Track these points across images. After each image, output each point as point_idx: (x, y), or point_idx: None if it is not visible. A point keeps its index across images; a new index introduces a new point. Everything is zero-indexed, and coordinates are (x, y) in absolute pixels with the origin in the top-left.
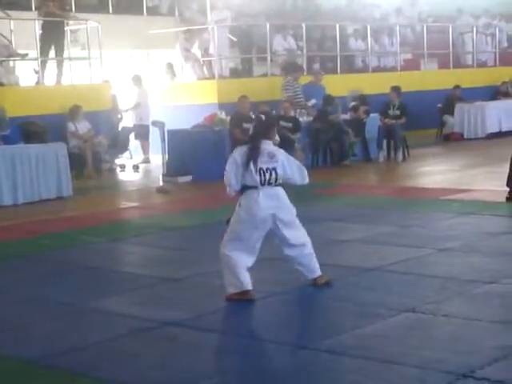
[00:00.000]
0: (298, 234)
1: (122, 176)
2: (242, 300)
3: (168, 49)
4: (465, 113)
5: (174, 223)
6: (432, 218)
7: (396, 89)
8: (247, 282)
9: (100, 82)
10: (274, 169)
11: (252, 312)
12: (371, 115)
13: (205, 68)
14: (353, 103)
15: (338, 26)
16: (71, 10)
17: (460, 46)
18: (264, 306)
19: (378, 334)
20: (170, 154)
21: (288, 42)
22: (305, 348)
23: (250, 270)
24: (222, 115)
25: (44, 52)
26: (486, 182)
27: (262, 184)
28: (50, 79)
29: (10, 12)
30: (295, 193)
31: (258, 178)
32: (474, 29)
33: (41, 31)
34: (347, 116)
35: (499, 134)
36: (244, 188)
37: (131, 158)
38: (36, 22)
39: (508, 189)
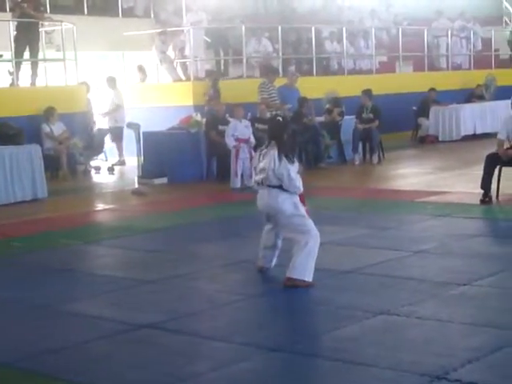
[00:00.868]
0: None
1: (97, 178)
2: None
3: (143, 50)
4: (440, 115)
5: (150, 225)
6: (407, 220)
7: (367, 92)
8: None
9: (76, 83)
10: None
11: (228, 314)
12: (346, 118)
13: (180, 70)
14: (327, 106)
15: (313, 29)
16: (46, 11)
17: (435, 49)
18: (240, 309)
19: (353, 337)
20: (145, 155)
21: (264, 45)
22: (280, 350)
23: (228, 272)
24: (198, 117)
25: (18, 53)
26: (460, 185)
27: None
28: (24, 81)
29: None
30: None
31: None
32: (449, 32)
33: (15, 32)
34: (322, 118)
35: (474, 137)
36: None
37: (106, 160)
38: (10, 23)
39: (482, 191)
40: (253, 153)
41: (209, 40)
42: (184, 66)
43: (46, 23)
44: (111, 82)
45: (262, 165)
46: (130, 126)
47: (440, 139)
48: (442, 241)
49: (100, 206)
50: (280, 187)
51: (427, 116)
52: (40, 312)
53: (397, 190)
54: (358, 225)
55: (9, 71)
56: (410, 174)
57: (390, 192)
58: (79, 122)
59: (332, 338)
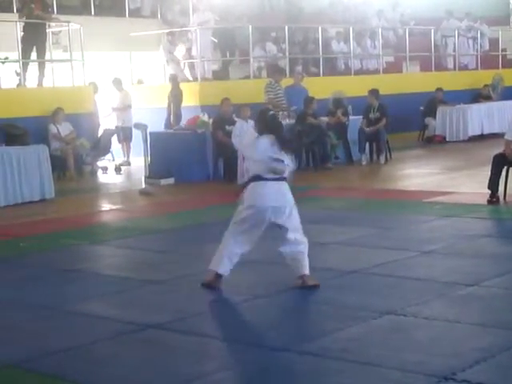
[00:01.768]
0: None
1: (104, 178)
2: (211, 286)
3: (150, 51)
4: (447, 115)
5: (157, 225)
6: (414, 220)
7: (374, 92)
8: None
9: (84, 84)
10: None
11: (234, 315)
12: (353, 118)
13: (188, 70)
14: (330, 107)
15: (320, 29)
16: (53, 11)
17: (442, 49)
18: (246, 309)
19: (360, 337)
20: (152, 156)
21: (268, 50)
22: (287, 350)
23: (235, 272)
24: (205, 117)
25: (26, 54)
26: (467, 185)
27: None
28: (31, 81)
29: None
30: None
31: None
32: (456, 32)
33: (22, 33)
34: (327, 119)
35: (481, 137)
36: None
37: (113, 160)
38: (18, 23)
39: (489, 191)
40: None
41: (216, 40)
42: (191, 67)
43: (53, 24)
44: (117, 83)
45: (277, 155)
46: (137, 126)
47: (447, 139)
48: (449, 241)
49: (107, 207)
50: (285, 179)
51: (434, 116)
52: (47, 312)
53: (404, 190)
54: (364, 225)
55: (16, 72)
56: (417, 174)
57: (396, 192)
58: (86, 122)
59: (338, 338)
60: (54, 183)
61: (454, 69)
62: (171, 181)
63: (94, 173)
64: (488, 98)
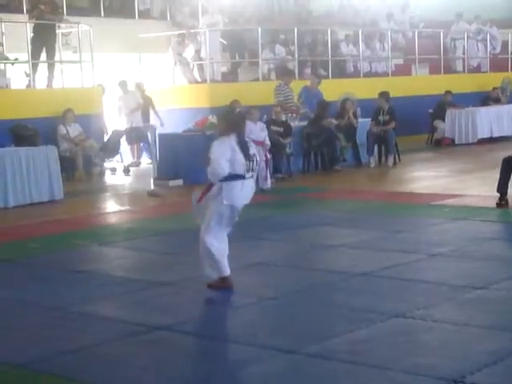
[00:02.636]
0: None
1: (112, 179)
2: (222, 288)
3: (160, 52)
4: (456, 118)
5: (166, 227)
6: (422, 223)
7: (384, 94)
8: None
9: (92, 85)
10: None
11: (241, 317)
12: (361, 120)
13: (197, 72)
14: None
15: (329, 31)
16: (63, 13)
17: (451, 52)
18: (253, 311)
19: (369, 339)
20: (161, 157)
21: (277, 52)
22: (294, 352)
23: (243, 274)
24: (214, 119)
25: (35, 55)
26: (476, 188)
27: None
28: (41, 82)
29: (1, 15)
30: (286, 198)
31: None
32: (466, 34)
33: (32, 34)
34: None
35: (490, 140)
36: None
37: (122, 161)
38: (27, 24)
39: (498, 194)
40: (268, 155)
41: (225, 42)
42: (200, 69)
43: (63, 25)
44: (123, 85)
45: (252, 151)
46: (146, 127)
47: (456, 142)
48: (458, 244)
49: (115, 208)
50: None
51: (443, 119)
52: (55, 313)
53: (412, 193)
54: (373, 227)
55: (25, 73)
56: (425, 177)
57: (405, 195)
58: (95, 123)
59: (347, 340)
60: (62, 184)
61: (464, 71)
62: (180, 182)
63: (102, 174)
64: (497, 101)
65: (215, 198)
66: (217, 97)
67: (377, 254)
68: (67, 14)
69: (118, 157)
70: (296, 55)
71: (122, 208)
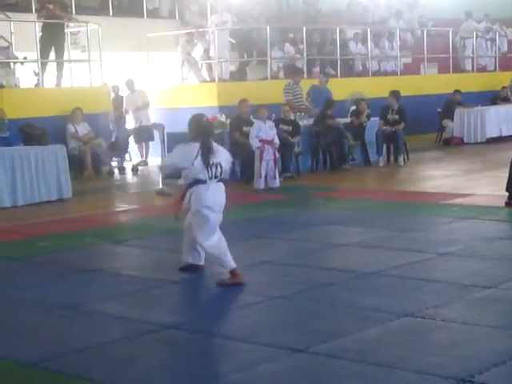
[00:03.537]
0: None
1: (121, 178)
2: (235, 284)
3: (168, 51)
4: (465, 117)
5: (174, 226)
6: (431, 222)
7: (395, 93)
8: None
9: (100, 84)
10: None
11: (251, 316)
12: (371, 119)
13: (205, 71)
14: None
15: (338, 30)
16: (72, 12)
17: (460, 51)
18: (263, 310)
19: (378, 339)
20: None
21: (286, 51)
22: (304, 352)
23: (251, 273)
24: (223, 118)
25: (44, 54)
26: (485, 187)
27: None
28: (49, 81)
29: (10, 14)
30: (295, 197)
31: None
32: (475, 33)
33: (41, 33)
34: (347, 120)
35: (499, 139)
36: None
37: (130, 160)
38: (36, 24)
39: (507, 193)
40: (277, 154)
41: (233, 41)
42: (209, 67)
43: (72, 24)
44: (130, 84)
45: (217, 159)
46: (154, 126)
47: (465, 141)
48: (467, 243)
49: (124, 206)
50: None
51: (452, 118)
52: (65, 312)
53: (421, 192)
54: (382, 226)
55: (34, 72)
56: (434, 176)
57: (414, 194)
58: (103, 122)
59: (356, 339)
60: (71, 183)
61: (472, 70)
62: None
63: (111, 173)
64: (506, 100)
65: (189, 205)
66: (225, 96)
67: (386, 253)
68: (76, 13)
69: (126, 155)
70: (305, 54)
71: (131, 207)
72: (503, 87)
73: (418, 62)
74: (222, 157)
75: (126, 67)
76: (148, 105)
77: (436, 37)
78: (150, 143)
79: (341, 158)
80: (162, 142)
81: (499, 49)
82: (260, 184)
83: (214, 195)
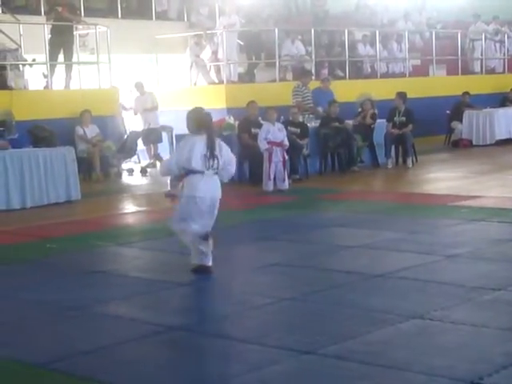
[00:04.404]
0: None
1: (129, 180)
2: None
3: (177, 53)
4: (473, 119)
5: None
6: (440, 224)
7: (401, 94)
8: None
9: (109, 86)
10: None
11: (259, 317)
12: (378, 121)
13: (214, 73)
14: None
15: (346, 32)
16: (81, 14)
17: (469, 53)
18: (271, 312)
19: (386, 340)
20: None
21: (296, 46)
22: (312, 353)
23: (260, 275)
24: (231, 120)
25: (53, 56)
26: (494, 189)
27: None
28: (58, 83)
29: (19, 16)
30: (304, 199)
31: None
32: (483, 35)
33: (50, 35)
34: (355, 122)
35: (508, 141)
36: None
37: (139, 162)
38: (45, 26)
39: None
40: (285, 156)
41: (242, 43)
42: (217, 69)
43: (80, 26)
44: (139, 86)
45: (216, 152)
46: (163, 128)
47: (474, 143)
48: (476, 245)
49: (133, 209)
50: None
51: (461, 120)
52: (73, 313)
53: (430, 194)
54: (390, 228)
55: (43, 74)
56: (443, 178)
57: (422, 196)
58: (112, 124)
59: (364, 341)
60: (80, 185)
61: (481, 72)
62: None
63: (119, 175)
64: None
65: (182, 193)
66: (233, 98)
67: (394, 255)
68: (85, 16)
69: (135, 158)
70: (313, 56)
71: (139, 209)
72: None
73: (427, 64)
74: (223, 151)
75: (134, 69)
76: (157, 107)
77: (444, 39)
78: (159, 145)
79: (349, 160)
80: (171, 143)
81: (508, 51)
82: (269, 186)
83: (207, 186)
